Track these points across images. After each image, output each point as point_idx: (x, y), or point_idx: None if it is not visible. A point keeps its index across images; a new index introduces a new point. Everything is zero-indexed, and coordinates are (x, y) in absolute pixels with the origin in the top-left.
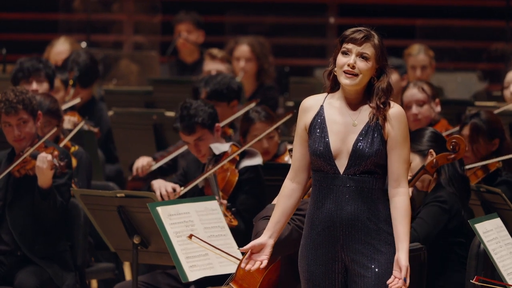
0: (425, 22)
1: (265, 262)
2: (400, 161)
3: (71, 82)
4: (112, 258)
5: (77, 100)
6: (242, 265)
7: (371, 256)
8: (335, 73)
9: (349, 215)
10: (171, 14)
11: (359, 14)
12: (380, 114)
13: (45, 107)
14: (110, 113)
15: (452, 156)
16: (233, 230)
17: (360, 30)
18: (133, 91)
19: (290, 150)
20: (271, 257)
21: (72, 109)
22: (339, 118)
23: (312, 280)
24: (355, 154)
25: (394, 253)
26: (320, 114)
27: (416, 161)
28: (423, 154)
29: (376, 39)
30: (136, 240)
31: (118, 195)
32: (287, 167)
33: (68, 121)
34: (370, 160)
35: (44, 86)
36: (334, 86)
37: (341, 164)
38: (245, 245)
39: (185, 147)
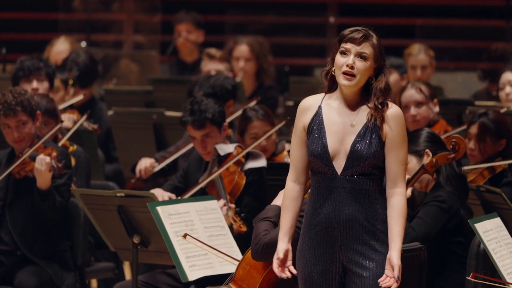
0: (425, 21)
1: (292, 268)
2: (398, 162)
3: (71, 82)
4: (112, 257)
5: (80, 97)
6: (278, 274)
7: (369, 256)
8: (333, 73)
9: (347, 216)
10: (171, 13)
11: (359, 14)
12: (378, 114)
13: (42, 108)
14: (110, 112)
15: (452, 155)
16: (241, 235)
17: (358, 30)
18: (133, 91)
19: (289, 151)
20: (271, 257)
21: (71, 108)
22: (337, 118)
23: (309, 280)
24: (353, 156)
25: None
26: (318, 115)
27: (413, 162)
28: (420, 155)
29: (374, 39)
30: (136, 239)
31: (118, 194)
32: (287, 166)
33: (68, 119)
34: (368, 162)
35: (45, 85)
36: (332, 86)
37: (339, 165)
38: (245, 246)
39: (186, 148)
